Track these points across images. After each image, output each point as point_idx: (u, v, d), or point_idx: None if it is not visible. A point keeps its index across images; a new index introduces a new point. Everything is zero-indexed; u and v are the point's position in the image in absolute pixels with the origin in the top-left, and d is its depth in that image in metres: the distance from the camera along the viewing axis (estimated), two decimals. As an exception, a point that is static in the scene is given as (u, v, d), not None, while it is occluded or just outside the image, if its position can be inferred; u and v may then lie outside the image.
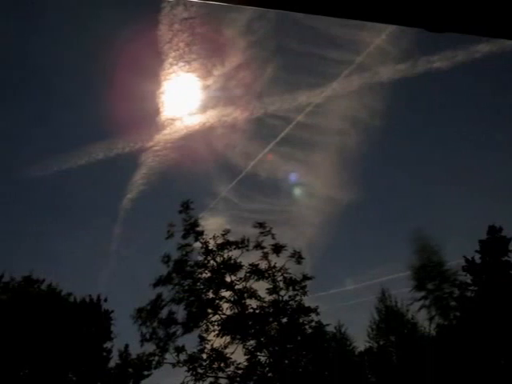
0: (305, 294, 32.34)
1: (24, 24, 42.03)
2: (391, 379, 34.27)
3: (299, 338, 32.10)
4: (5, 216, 50.06)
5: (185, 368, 30.96)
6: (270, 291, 32.33)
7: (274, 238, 32.91)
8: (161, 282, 32.46)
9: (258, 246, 32.85)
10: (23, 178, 48.04)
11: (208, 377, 31.04)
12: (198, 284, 33.04)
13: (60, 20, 39.19)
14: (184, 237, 33.11)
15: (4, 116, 45.89)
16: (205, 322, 32.14)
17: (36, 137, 50.55)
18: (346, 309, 46.49)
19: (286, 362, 32.09)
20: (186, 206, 33.65)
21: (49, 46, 43.30)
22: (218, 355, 31.17)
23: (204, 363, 31.16)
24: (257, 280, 32.55)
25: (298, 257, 32.57)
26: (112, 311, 37.07)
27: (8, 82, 47.02)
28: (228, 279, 32.62)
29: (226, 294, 32.53)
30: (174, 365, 31.34)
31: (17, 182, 49.58)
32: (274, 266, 32.60)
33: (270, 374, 31.36)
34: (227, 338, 31.55)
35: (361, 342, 37.90)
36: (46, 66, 45.04)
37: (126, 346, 35.86)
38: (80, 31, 40.11)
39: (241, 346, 31.44)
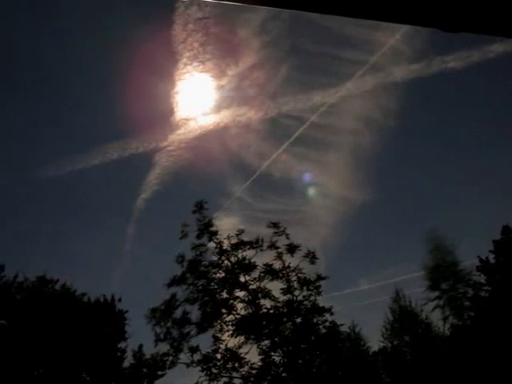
0: (319, 294, 32.27)
1: (38, 25, 42.14)
2: (405, 379, 34.18)
3: (313, 338, 32.00)
4: (19, 216, 50.26)
5: (199, 368, 30.95)
6: (284, 291, 32.27)
7: (288, 238, 32.91)
8: (175, 281, 32.47)
9: (272, 246, 32.82)
10: (38, 178, 48.21)
11: (222, 377, 30.98)
12: (212, 284, 32.99)
13: (74, 20, 39.28)
14: (198, 237, 33.12)
15: (19, 117, 46.04)
16: (219, 322, 32.10)
17: (50, 137, 50.77)
18: (360, 309, 46.49)
19: (300, 361, 31.99)
20: (199, 206, 33.66)
21: (63, 46, 43.37)
22: (232, 355, 31.11)
23: (218, 363, 31.09)
24: (271, 280, 32.50)
25: (312, 257, 32.52)
26: (126, 311, 37.16)
27: (23, 83, 47.19)
28: (242, 279, 32.59)
29: (240, 294, 32.51)
30: (188, 365, 31.32)
31: (32, 182, 49.83)
32: (288, 266, 32.57)
33: (284, 374, 31.25)
34: (241, 338, 31.50)
35: (375, 341, 37.92)
36: (61, 66, 45.22)
37: (140, 346, 35.94)
38: (94, 31, 40.18)
39: (255, 346, 31.39)
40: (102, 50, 42.47)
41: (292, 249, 32.62)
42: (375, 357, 37.16)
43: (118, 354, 35.95)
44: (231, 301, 32.41)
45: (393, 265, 50.60)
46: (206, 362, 31.04)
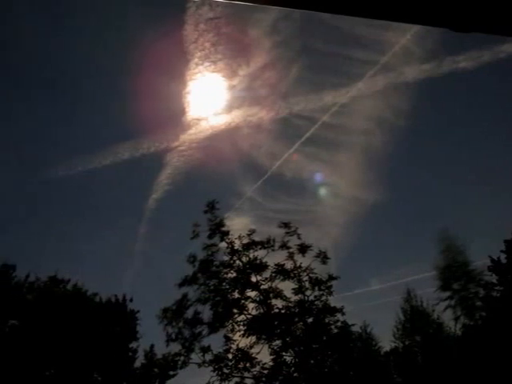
0: (330, 294, 32.23)
1: (50, 24, 42.24)
2: (417, 379, 34.12)
3: (325, 338, 31.97)
4: (31, 216, 50.36)
5: (210, 368, 30.97)
6: (296, 291, 32.24)
7: (299, 238, 32.92)
8: (186, 281, 32.51)
9: (284, 246, 32.83)
10: (49, 177, 48.26)
11: (233, 377, 30.96)
12: (224, 284, 33.01)
13: (86, 20, 39.36)
14: (209, 237, 33.16)
15: (31, 117, 46.13)
16: (230, 321, 32.10)
17: (62, 137, 50.82)
18: (372, 309, 46.39)
19: (312, 361, 31.94)
20: (211, 206, 33.70)
21: (74, 46, 43.45)
22: (244, 355, 31.10)
23: (229, 363, 31.08)
24: (282, 280, 32.49)
25: (323, 257, 32.51)
26: (138, 311, 37.20)
27: (35, 82, 47.29)
28: (254, 279, 32.59)
29: (252, 294, 32.50)
30: (199, 365, 31.32)
31: (43, 182, 49.88)
32: (300, 266, 32.55)
33: (295, 374, 31.21)
34: (253, 338, 31.49)
35: (386, 342, 37.86)
36: (73, 66, 45.28)
37: (152, 346, 35.97)
38: (106, 31, 40.22)
39: (266, 346, 31.37)
40: (114, 49, 42.56)
41: (303, 249, 32.61)
42: (387, 357, 37.10)
43: (130, 354, 35.99)
44: (243, 301, 32.41)
45: (404, 265, 50.51)
46: (218, 362, 31.04)
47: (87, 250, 51.31)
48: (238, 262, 32.97)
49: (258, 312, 32.08)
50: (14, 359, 31.58)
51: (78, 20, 39.78)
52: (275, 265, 32.62)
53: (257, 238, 33.20)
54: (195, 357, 31.64)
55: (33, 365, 32.43)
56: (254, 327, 31.62)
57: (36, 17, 40.55)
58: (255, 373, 30.96)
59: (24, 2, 36.64)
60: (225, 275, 33.12)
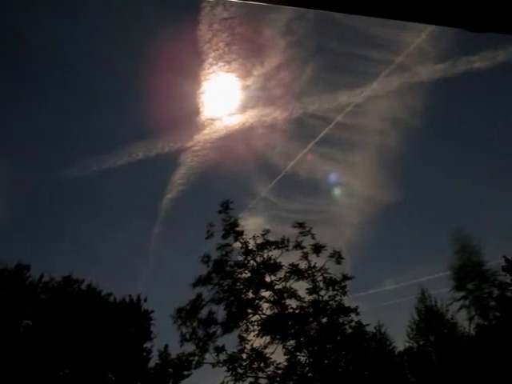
0: (345, 293, 32.21)
1: (66, 24, 42.34)
2: (431, 379, 34.05)
3: (339, 338, 31.92)
4: (45, 216, 50.48)
5: (224, 368, 31.00)
6: (310, 291, 32.23)
7: (313, 238, 32.92)
8: (200, 281, 32.55)
9: (298, 245, 32.83)
10: (64, 178, 48.33)
11: (248, 377, 30.94)
12: (238, 284, 33.01)
13: (100, 20, 39.44)
14: (224, 237, 33.20)
15: (44, 116, 46.23)
16: (245, 321, 32.11)
17: (77, 137, 50.90)
18: (386, 309, 46.36)
19: (326, 361, 31.90)
20: (225, 206, 33.73)
21: (89, 46, 43.54)
22: (258, 355, 31.08)
23: (244, 363, 31.07)
24: (297, 280, 32.49)
25: (337, 257, 32.51)
26: (152, 311, 37.24)
27: (49, 82, 47.38)
28: (268, 279, 32.61)
29: (266, 294, 32.50)
30: (213, 365, 31.32)
31: (58, 182, 49.97)
32: (314, 266, 32.55)
33: (309, 374, 31.17)
34: (267, 338, 31.47)
35: (400, 341, 37.80)
36: (87, 66, 45.36)
37: (166, 346, 35.99)
38: (120, 31, 40.29)
39: (280, 346, 31.36)
40: (129, 49, 42.65)
41: (318, 249, 32.62)
42: (401, 357, 37.05)
43: (144, 354, 36.03)
44: (257, 301, 32.41)
45: (418, 265, 50.43)
46: (232, 362, 31.03)
47: (102, 250, 51.51)
48: (252, 262, 32.99)
49: (272, 312, 32.09)
50: (28, 359, 31.63)
51: (92, 20, 39.89)
52: (289, 265, 32.63)
53: (271, 238, 33.26)
54: (209, 357, 31.72)
55: (47, 365, 32.48)
56: (268, 327, 31.59)
57: (51, 17, 40.68)
58: (269, 373, 30.94)
59: (39, 2, 36.70)
60: (239, 275, 33.12)
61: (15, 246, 46.96)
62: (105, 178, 50.91)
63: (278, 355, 31.23)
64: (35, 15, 38.34)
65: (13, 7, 37.15)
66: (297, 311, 32.00)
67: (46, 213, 50.60)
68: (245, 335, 31.90)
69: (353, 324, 31.91)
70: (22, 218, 49.70)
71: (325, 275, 32.37)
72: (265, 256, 32.90)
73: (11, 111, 47.72)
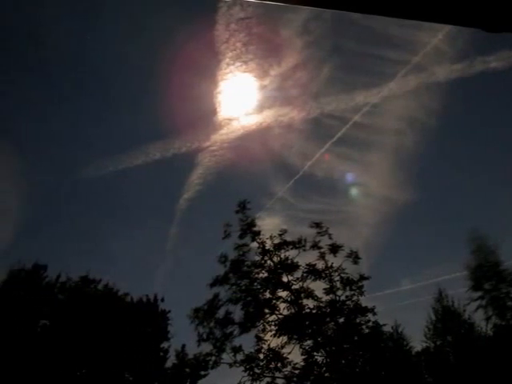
0: (362, 294, 32.13)
1: (83, 25, 42.45)
2: (448, 379, 33.99)
3: (356, 338, 31.86)
4: (62, 216, 50.62)
5: (241, 368, 31.00)
6: (327, 291, 32.18)
7: (330, 238, 32.86)
8: (218, 281, 32.55)
9: (315, 245, 32.78)
10: (81, 178, 48.44)
11: (265, 377, 30.92)
12: (255, 284, 33.01)
13: (117, 20, 39.51)
14: (241, 237, 33.18)
15: (62, 116, 46.34)
16: (262, 321, 32.09)
17: (93, 137, 51.04)
18: (403, 309, 46.25)
19: (343, 361, 31.87)
20: (242, 206, 33.72)
21: (106, 46, 43.64)
22: (275, 355, 31.06)
23: (261, 363, 31.05)
24: (314, 280, 32.45)
25: (354, 257, 32.45)
26: (169, 311, 37.28)
27: (66, 83, 47.49)
28: (285, 279, 32.57)
29: (283, 294, 32.45)
30: (230, 365, 31.33)
31: (74, 183, 50.09)
32: (331, 266, 32.49)
33: (327, 374, 31.12)
34: (284, 338, 31.45)
35: (417, 342, 37.73)
36: (104, 66, 45.45)
37: (183, 346, 36.01)
38: (137, 32, 40.37)
39: (297, 346, 31.33)
40: (145, 49, 42.71)
41: (335, 249, 32.56)
42: (418, 357, 36.97)
43: (161, 354, 36.07)
44: (274, 301, 32.38)
45: (435, 265, 50.23)
46: (249, 362, 31.03)
47: (118, 250, 51.60)
48: (269, 261, 32.98)
49: (289, 312, 32.05)
50: (45, 359, 31.72)
51: (110, 20, 39.94)
52: (306, 265, 32.58)
53: (288, 238, 33.21)
54: (226, 357, 31.75)
55: (64, 365, 32.57)
56: (285, 327, 31.57)
57: (68, 17, 40.81)
58: (286, 373, 30.91)
59: (54, 2, 36.80)
60: (256, 275, 33.11)
61: (32, 246, 47.13)
62: (121, 178, 51.08)
63: (294, 355, 31.27)
64: (50, 16, 38.45)
65: (28, 8, 37.24)
66: (314, 311, 31.94)
67: (63, 213, 50.79)
68: (262, 335, 31.90)
69: (370, 324, 31.86)
70: (39, 218, 49.91)
71: (342, 275, 32.31)
72: (282, 256, 32.89)
73: (27, 112, 47.88)
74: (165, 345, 36.40)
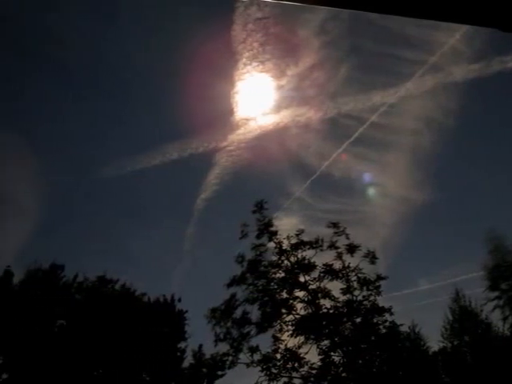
0: (379, 294, 32.09)
1: (101, 25, 42.53)
2: (465, 379, 33.95)
3: (373, 338, 31.83)
4: (81, 216, 50.72)
5: (258, 368, 31.03)
6: (344, 291, 32.16)
7: (347, 238, 32.83)
8: (235, 281, 32.55)
9: (332, 245, 32.75)
10: (99, 178, 48.56)
11: (282, 377, 30.91)
12: (272, 284, 32.99)
13: (135, 20, 39.59)
14: (258, 237, 33.16)
15: (80, 116, 46.44)
16: (279, 321, 32.09)
17: (111, 137, 51.14)
18: (420, 309, 46.16)
19: (360, 362, 31.83)
20: (259, 206, 33.70)
21: (124, 47, 43.73)
22: (292, 355, 31.06)
23: (278, 363, 31.06)
24: (331, 280, 32.43)
25: (371, 257, 32.41)
26: (186, 311, 37.32)
27: (84, 83, 47.60)
28: (302, 279, 32.55)
29: (300, 294, 32.44)
30: (247, 365, 31.36)
31: (92, 183, 50.20)
32: (348, 266, 32.47)
33: (344, 374, 31.10)
34: (301, 338, 31.44)
35: (434, 342, 37.67)
36: (122, 67, 45.54)
37: (200, 346, 36.05)
38: (154, 32, 40.43)
39: (314, 346, 31.32)
40: (163, 50, 42.77)
41: (352, 249, 32.53)
42: (435, 357, 36.91)
43: (178, 354, 36.12)
44: (291, 301, 32.36)
45: (452, 265, 50.29)
46: (266, 362, 31.03)
47: (135, 250, 51.72)
48: (286, 261, 32.95)
49: (306, 312, 32.03)
50: (62, 359, 31.80)
51: (128, 21, 40.02)
52: (323, 265, 32.56)
53: (305, 238, 33.19)
54: (243, 357, 31.78)
55: (81, 365, 32.65)
56: (302, 327, 31.55)
57: (87, 17, 40.89)
58: (303, 373, 30.91)
59: (73, 2, 36.90)
60: (273, 275, 33.09)
61: (50, 246, 47.27)
62: (139, 178, 51.09)
63: (311, 355, 31.27)
64: (69, 15, 38.57)
65: (46, 7, 37.35)
66: (331, 311, 31.93)
67: (81, 213, 50.88)
68: (279, 335, 31.91)
69: (387, 324, 31.81)
70: (57, 218, 50.07)
71: (359, 275, 32.29)
72: (299, 256, 32.85)
73: (46, 112, 48.04)
74: (182, 345, 36.49)
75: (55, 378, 31.41)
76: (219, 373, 33.84)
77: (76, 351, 32.29)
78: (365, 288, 32.05)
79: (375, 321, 31.79)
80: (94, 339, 32.63)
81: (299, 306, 32.18)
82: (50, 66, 45.43)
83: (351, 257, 32.64)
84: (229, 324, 32.27)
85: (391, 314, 31.81)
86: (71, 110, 48.31)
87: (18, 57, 43.70)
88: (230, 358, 32.10)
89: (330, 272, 32.38)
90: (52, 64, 45.32)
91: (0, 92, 46.05)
